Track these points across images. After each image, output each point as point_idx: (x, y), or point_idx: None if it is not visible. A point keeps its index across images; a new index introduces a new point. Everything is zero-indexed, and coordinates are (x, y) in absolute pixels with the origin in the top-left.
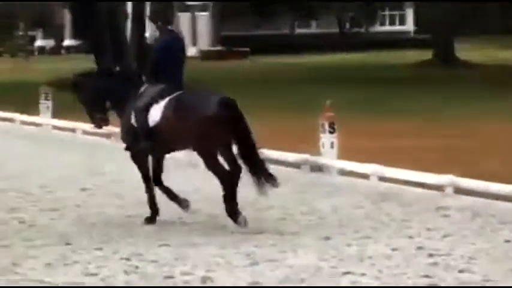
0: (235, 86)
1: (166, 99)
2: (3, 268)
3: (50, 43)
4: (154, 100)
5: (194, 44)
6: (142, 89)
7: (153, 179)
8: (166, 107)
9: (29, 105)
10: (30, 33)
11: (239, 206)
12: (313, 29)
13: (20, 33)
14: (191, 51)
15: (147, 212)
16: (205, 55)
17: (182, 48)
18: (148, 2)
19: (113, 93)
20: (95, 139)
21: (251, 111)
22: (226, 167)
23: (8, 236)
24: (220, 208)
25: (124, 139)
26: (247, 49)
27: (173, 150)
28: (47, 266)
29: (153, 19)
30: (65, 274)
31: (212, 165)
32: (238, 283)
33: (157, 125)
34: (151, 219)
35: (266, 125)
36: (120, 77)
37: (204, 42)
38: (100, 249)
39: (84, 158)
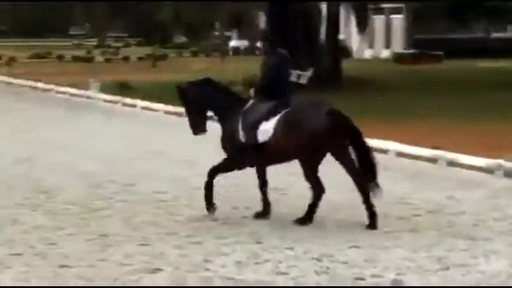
0: (426, 89)
1: (277, 116)
2: (196, 265)
3: (244, 44)
4: (265, 117)
5: (387, 46)
6: (248, 105)
7: (260, 184)
8: (277, 125)
9: None
10: (225, 33)
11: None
12: (510, 33)
13: (216, 33)
14: (384, 53)
15: (338, 212)
16: (398, 58)
17: (288, 68)
18: (342, 3)
19: (217, 104)
20: None
21: (442, 114)
22: (347, 172)
23: (201, 233)
24: (410, 211)
25: (226, 148)
26: (441, 53)
27: (277, 163)
28: (238, 263)
29: (263, 40)
30: (256, 272)
31: (311, 176)
32: None
33: (268, 142)
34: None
35: (459, 129)
36: (226, 90)
37: (398, 44)
38: (291, 248)
39: None
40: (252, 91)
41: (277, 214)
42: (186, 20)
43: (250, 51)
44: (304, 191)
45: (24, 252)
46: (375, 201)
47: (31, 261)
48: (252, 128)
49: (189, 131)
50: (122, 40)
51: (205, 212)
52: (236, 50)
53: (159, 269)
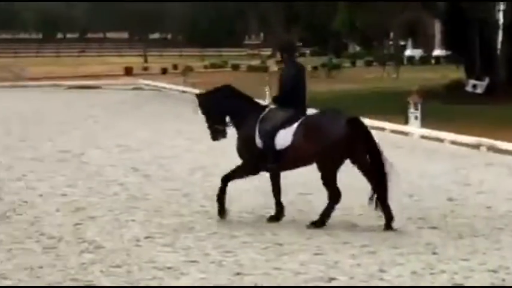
0: None
1: (295, 124)
2: (370, 274)
3: (418, 53)
4: (283, 125)
5: None
6: (265, 112)
7: (274, 190)
8: (296, 132)
9: (397, 114)
10: (400, 42)
11: None
12: None
13: (390, 42)
14: None
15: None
16: None
17: (305, 78)
18: None
19: (235, 110)
20: (462, 149)
21: None
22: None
23: (375, 243)
24: None
25: (241, 154)
26: None
27: (294, 169)
28: (413, 274)
29: (280, 51)
30: (432, 283)
31: (329, 181)
32: None
33: (287, 149)
34: (220, 213)
35: None
36: (243, 97)
37: None
38: (467, 260)
39: (450, 167)
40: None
41: (452, 225)
42: (360, 30)
43: (425, 60)
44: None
45: (200, 260)
46: None
47: (207, 269)
48: (270, 135)
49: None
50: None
51: (381, 221)
52: (411, 59)
53: (333, 279)
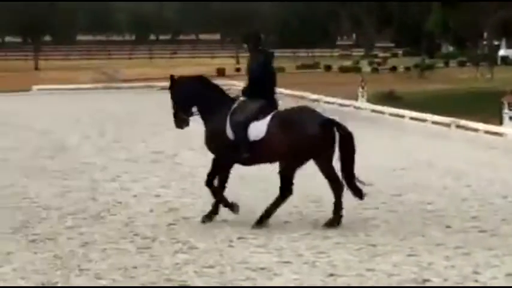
0: None
1: (269, 116)
2: (465, 276)
3: None
4: (255, 117)
5: None
6: (235, 104)
7: (219, 185)
8: (271, 125)
9: (491, 115)
10: (494, 42)
11: None
12: None
13: (484, 42)
14: None
15: None
16: None
17: (273, 66)
18: None
19: (205, 101)
20: None
21: None
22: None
23: (469, 244)
24: None
25: (210, 146)
26: None
27: (266, 162)
28: (508, 276)
29: (245, 42)
30: None
31: (290, 177)
32: None
33: (261, 141)
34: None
35: None
36: (215, 88)
37: None
38: None
39: None
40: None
41: None
42: (454, 30)
43: None
44: None
45: (293, 261)
46: None
47: (300, 270)
48: (243, 127)
49: (458, 140)
50: (389, 50)
51: (475, 222)
52: (505, 59)
53: (427, 280)
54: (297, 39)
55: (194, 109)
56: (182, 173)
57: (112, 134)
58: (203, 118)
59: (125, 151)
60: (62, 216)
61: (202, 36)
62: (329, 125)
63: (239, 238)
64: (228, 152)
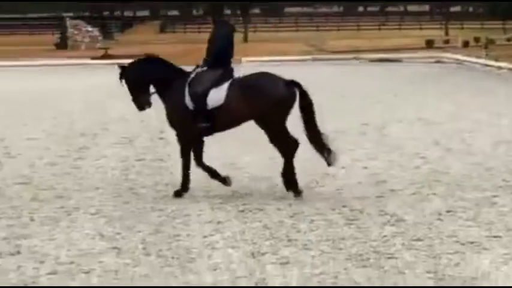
0: None
1: (226, 84)
2: None
3: None
4: (214, 84)
5: None
6: (192, 75)
7: (195, 159)
8: (229, 92)
9: None
10: None
11: None
12: None
13: None
14: None
15: None
16: None
17: (233, 38)
18: None
19: (159, 78)
20: None
21: None
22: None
23: None
24: None
25: (172, 121)
26: None
27: (228, 128)
28: None
29: (210, 14)
30: None
31: (281, 135)
32: None
33: (219, 108)
34: (179, 193)
35: None
36: (168, 65)
37: None
38: None
39: None
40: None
41: None
42: None
43: None
44: None
45: (503, 235)
46: None
47: (510, 244)
48: (201, 95)
49: None
50: None
51: None
52: None
53: None
54: (508, 11)
55: (152, 89)
56: (390, 145)
57: (319, 105)
58: (161, 95)
59: (332, 123)
60: (271, 187)
61: (410, 8)
62: (291, 86)
63: (447, 211)
64: (189, 124)
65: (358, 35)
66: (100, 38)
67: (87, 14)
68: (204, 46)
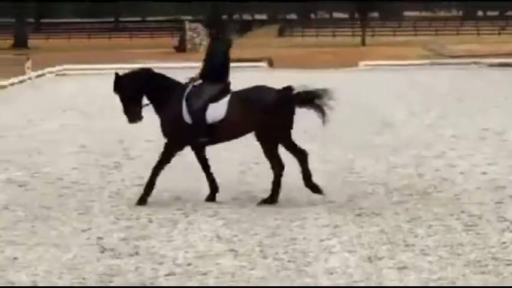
0: None
1: (226, 98)
2: None
3: None
4: (213, 99)
5: None
6: (189, 89)
7: (202, 166)
8: (229, 106)
9: None
10: None
11: None
12: None
13: None
14: None
15: None
16: None
17: (229, 53)
18: None
19: (154, 91)
20: None
21: None
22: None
23: None
24: None
25: (168, 133)
26: None
27: (226, 141)
28: None
29: (208, 27)
30: None
31: (273, 152)
32: None
33: (220, 122)
34: (142, 201)
35: None
36: (162, 78)
37: None
38: None
39: None
40: (194, 76)
41: None
42: None
43: None
44: None
45: None
46: None
47: None
48: (200, 110)
49: None
50: None
51: None
52: None
53: None
54: None
55: (144, 101)
56: (510, 150)
57: (438, 110)
58: (155, 106)
59: (450, 127)
60: (388, 192)
61: None
62: (286, 95)
63: None
64: (184, 137)
65: (477, 40)
66: None
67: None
68: (321, 50)
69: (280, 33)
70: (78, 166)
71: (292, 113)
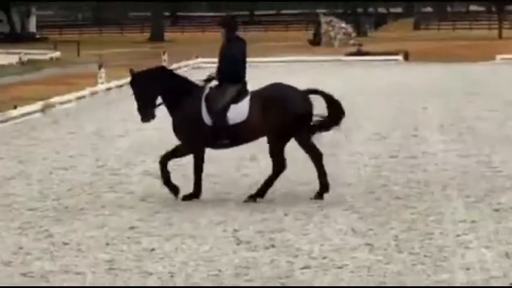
0: None
1: (247, 98)
2: None
3: None
4: (234, 100)
5: None
6: (207, 90)
7: (200, 169)
8: (251, 107)
9: None
10: None
11: None
12: None
13: None
14: None
15: None
16: None
17: (246, 53)
18: None
19: (170, 91)
20: None
21: None
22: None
23: None
24: None
25: (182, 133)
26: None
27: (244, 143)
28: None
29: (224, 27)
30: None
31: (280, 153)
32: None
33: (241, 124)
34: (189, 196)
35: None
36: (178, 77)
37: None
38: None
39: None
40: (208, 76)
41: None
42: None
43: None
44: None
45: None
46: None
47: None
48: (221, 111)
49: None
50: None
51: None
52: None
53: None
54: None
55: (158, 100)
56: None
57: None
58: (169, 106)
59: None
60: None
61: None
62: (308, 96)
63: None
64: (203, 138)
65: None
66: (353, 34)
67: (340, 10)
68: (457, 44)
69: (416, 27)
70: (214, 158)
71: (311, 112)
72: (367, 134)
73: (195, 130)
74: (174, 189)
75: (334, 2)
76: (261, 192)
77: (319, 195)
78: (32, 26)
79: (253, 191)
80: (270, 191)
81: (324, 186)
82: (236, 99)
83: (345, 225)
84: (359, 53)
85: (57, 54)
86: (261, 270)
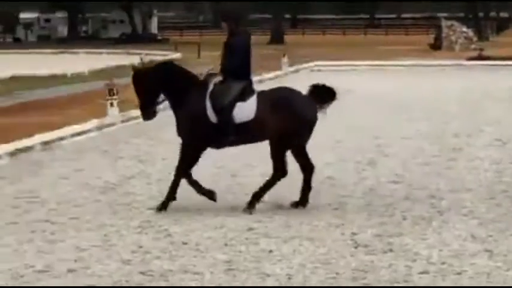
0: None
1: (254, 97)
2: None
3: None
4: (240, 97)
5: None
6: (212, 86)
7: (189, 171)
8: (259, 105)
9: None
10: None
11: None
12: None
13: None
14: None
15: None
16: None
17: (250, 46)
18: None
19: (174, 88)
20: None
21: None
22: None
23: None
24: None
25: (185, 131)
26: None
27: (252, 142)
28: None
29: (225, 20)
30: None
31: (281, 156)
32: None
33: (249, 122)
34: (163, 206)
35: None
36: (184, 73)
37: None
38: None
39: None
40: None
41: None
42: None
43: None
44: None
45: None
46: None
47: None
48: (227, 109)
49: None
50: None
51: None
52: None
53: None
54: None
55: (160, 98)
56: None
57: None
58: (172, 103)
59: None
60: None
61: None
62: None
63: None
64: (207, 137)
65: None
66: (475, 39)
67: (462, 14)
68: None
69: None
70: (334, 161)
71: (316, 118)
72: (488, 139)
73: (199, 128)
74: (210, 194)
75: (455, 3)
76: (258, 196)
77: (296, 205)
78: (154, 27)
79: (372, 195)
80: (388, 194)
81: (304, 202)
82: (242, 97)
83: (465, 231)
84: (480, 57)
85: (177, 55)
86: (379, 273)
